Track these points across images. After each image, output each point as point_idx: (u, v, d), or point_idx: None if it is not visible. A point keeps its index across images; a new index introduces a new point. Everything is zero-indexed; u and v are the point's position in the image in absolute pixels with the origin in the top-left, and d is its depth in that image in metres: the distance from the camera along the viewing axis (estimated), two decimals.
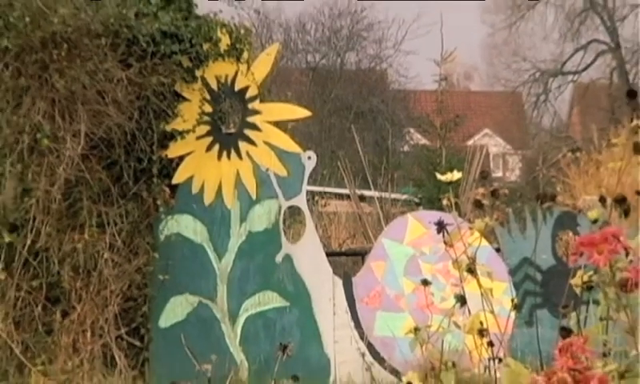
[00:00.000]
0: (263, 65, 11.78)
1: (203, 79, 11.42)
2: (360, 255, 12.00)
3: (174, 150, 11.39)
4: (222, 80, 11.66)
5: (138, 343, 10.86)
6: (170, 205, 11.45)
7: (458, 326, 3.93)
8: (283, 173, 11.68)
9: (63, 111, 10.67)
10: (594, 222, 3.27)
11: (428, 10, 47.54)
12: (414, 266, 11.55)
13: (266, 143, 11.60)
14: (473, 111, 31.43)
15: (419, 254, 11.55)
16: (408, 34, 39.36)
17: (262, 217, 11.72)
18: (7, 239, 10.50)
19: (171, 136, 11.37)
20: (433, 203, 12.13)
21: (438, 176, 4.59)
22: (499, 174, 30.00)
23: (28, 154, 10.77)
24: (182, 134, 11.48)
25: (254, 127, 11.75)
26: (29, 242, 10.68)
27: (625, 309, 3.02)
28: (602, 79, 40.59)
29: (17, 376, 9.73)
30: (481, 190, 5.46)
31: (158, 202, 11.22)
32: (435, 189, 13.45)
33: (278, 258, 11.70)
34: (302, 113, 11.62)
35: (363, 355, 10.59)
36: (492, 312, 3.85)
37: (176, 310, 11.49)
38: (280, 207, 11.70)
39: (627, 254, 3.05)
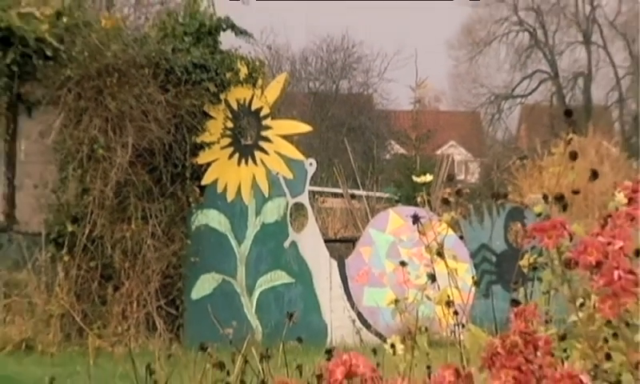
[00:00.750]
0: (274, 90, 12.08)
1: (226, 101, 11.68)
2: (351, 242, 12.52)
3: (202, 158, 11.68)
4: (241, 102, 11.88)
5: (174, 312, 11.24)
6: (200, 202, 11.65)
7: (429, 299, 3.97)
8: (290, 176, 11.93)
9: (114, 127, 11.03)
10: (539, 215, 3.30)
11: (406, 45, 47.15)
12: (394, 250, 11.89)
13: (277, 152, 11.85)
14: (441, 127, 31.87)
15: (398, 241, 11.91)
16: (389, 65, 40.11)
17: (273, 211, 11.93)
18: (70, 229, 10.91)
19: (200, 146, 11.64)
20: (409, 200, 12.41)
21: (414, 178, 4.71)
22: (462, 177, 30.89)
23: (86, 161, 11.10)
24: (209, 145, 11.70)
25: (267, 139, 11.94)
26: (87, 231, 10.97)
27: (568, 282, 2.88)
28: (543, 101, 43.52)
29: (77, 338, 10.29)
30: (447, 190, 5.57)
31: (190, 200, 11.52)
32: (411, 189, 13.67)
33: (286, 244, 11.93)
34: (304, 128, 11.86)
35: (354, 322, 11.19)
36: (456, 287, 3.89)
37: (204, 285, 11.79)
38: (287, 203, 11.92)
39: (571, 239, 2.90)
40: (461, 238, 11.27)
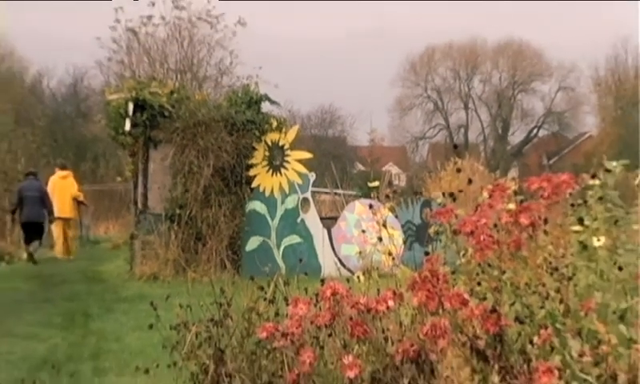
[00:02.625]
0: (291, 134, 12.00)
1: (264, 141, 11.74)
2: (335, 219, 12.22)
3: (251, 172, 11.58)
4: (273, 141, 11.77)
5: (236, 258, 11.37)
6: (250, 197, 11.66)
7: (378, 251, 3.92)
8: (300, 182, 11.80)
9: (202, 155, 11.22)
10: (439, 204, 3.29)
11: (364, 108, 47.48)
12: (358, 224, 11.74)
13: (293, 169, 11.78)
14: (384, 155, 34.07)
15: (361, 219, 11.74)
16: (356, 122, 45.33)
17: (291, 201, 11.72)
18: (178, 212, 11.10)
19: (250, 166, 11.60)
20: (367, 196, 12.12)
21: (369, 184, 4.65)
22: (396, 183, 30.44)
23: (187, 174, 11.20)
24: (255, 165, 11.67)
25: (287, 162, 11.76)
26: (187, 213, 11.06)
27: (455, 242, 2.81)
28: (441, 141, 46.18)
29: (182, 273, 10.48)
30: (388, 190, 5.47)
31: (245, 195, 11.55)
32: (368, 190, 13.35)
33: (298, 220, 11.77)
34: (308, 155, 12.15)
35: (336, 264, 11.23)
36: (393, 244, 3.87)
37: (253, 243, 11.63)
38: (299, 197, 11.78)
39: (456, 218, 2.86)
40: (396, 217, 11.95)
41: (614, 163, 3.03)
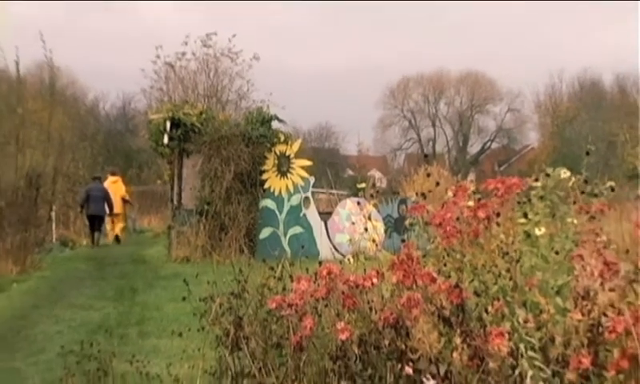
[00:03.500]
0: (296, 145, 11.86)
1: (274, 151, 11.56)
2: (330, 213, 12.13)
3: (264, 176, 11.41)
4: (281, 151, 11.62)
5: (252, 244, 11.12)
6: (263, 196, 11.55)
7: (365, 239, 3.85)
8: (302, 184, 11.55)
9: (225, 163, 11.10)
10: (413, 201, 3.18)
11: (353, 127, 47.10)
12: (349, 217, 11.38)
13: (297, 173, 11.57)
14: (369, 162, 33.53)
15: (351, 213, 11.39)
16: (347, 136, 40.85)
17: (295, 199, 11.58)
18: (206, 208, 10.98)
19: (263, 171, 11.50)
20: (356, 195, 11.90)
21: (357, 186, 4.56)
22: (379, 184, 29.54)
23: (213, 178, 11.06)
24: (266, 170, 11.54)
25: (292, 168, 11.56)
26: (213, 208, 10.94)
27: (426, 231, 2.79)
28: (415, 151, 45.29)
29: (209, 256, 10.25)
30: (372, 190, 5.39)
31: (259, 195, 11.41)
32: (356, 190, 13.00)
33: (301, 215, 11.57)
34: (309, 163, 11.89)
35: (331, 249, 11.20)
36: (376, 234, 3.79)
37: (265, 233, 11.48)
38: (301, 196, 11.59)
39: (427, 211, 2.81)
40: (378, 211, 11.62)
41: (551, 169, 3.01)
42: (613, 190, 3.07)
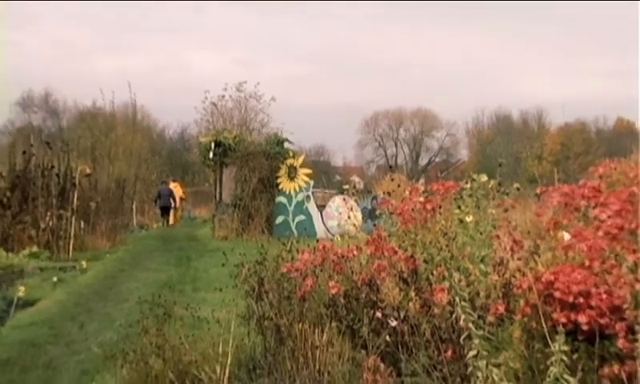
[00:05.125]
0: (300, 159, 11.63)
1: (285, 163, 11.31)
2: (324, 206, 12.24)
3: (278, 180, 11.18)
4: (290, 163, 11.41)
5: (270, 228, 10.79)
6: (277, 194, 11.31)
7: (348, 223, 3.70)
8: (305, 186, 11.39)
9: (251, 171, 10.99)
10: (382, 198, 3.04)
11: (338, 149, 46.63)
12: (338, 208, 10.93)
13: (301, 178, 11.41)
14: (351, 171, 31.87)
15: (339, 206, 11.11)
16: (336, 153, 42.22)
17: (300, 196, 11.28)
18: (238, 202, 10.78)
19: (278, 177, 11.34)
20: (342, 194, 11.79)
21: (343, 187, 4.40)
22: (358, 186, 28.91)
23: (243, 181, 10.94)
24: (280, 177, 11.32)
25: (298, 174, 11.41)
26: (243, 203, 10.86)
27: (391, 219, 2.79)
28: (383, 164, 41.63)
29: (240, 235, 10.26)
30: (353, 190, 5.21)
31: (275, 193, 11.29)
32: (342, 190, 12.92)
33: (304, 207, 11.33)
34: (309, 171, 12.39)
35: (324, 232, 10.67)
36: (356, 220, 3.66)
37: (279, 219, 11.23)
38: (304, 194, 11.33)
39: (392, 205, 2.77)
40: (357, 205, 11.15)
41: (476, 176, 3.00)
42: (518, 190, 3.06)
